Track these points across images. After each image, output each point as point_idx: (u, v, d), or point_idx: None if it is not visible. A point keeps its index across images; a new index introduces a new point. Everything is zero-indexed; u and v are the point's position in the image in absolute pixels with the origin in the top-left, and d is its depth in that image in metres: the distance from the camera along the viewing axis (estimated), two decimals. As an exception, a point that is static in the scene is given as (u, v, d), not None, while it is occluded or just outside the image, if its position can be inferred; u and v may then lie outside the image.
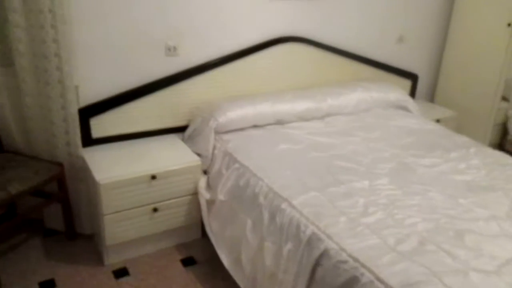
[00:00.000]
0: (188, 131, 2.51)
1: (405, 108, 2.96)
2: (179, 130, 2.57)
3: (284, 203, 1.78)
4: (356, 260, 1.45)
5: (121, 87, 2.37)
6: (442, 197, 1.86)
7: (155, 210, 2.20)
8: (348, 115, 2.72)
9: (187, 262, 2.28)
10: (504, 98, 3.41)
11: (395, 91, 2.97)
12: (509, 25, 3.06)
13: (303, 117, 2.59)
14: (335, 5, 2.93)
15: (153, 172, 2.14)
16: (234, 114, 2.39)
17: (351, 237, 1.55)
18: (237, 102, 2.48)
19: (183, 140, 2.51)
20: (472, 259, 1.47)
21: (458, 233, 1.61)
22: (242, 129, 2.44)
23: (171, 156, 2.29)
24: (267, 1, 2.65)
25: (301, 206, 1.73)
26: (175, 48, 2.45)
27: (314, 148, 2.24)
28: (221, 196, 2.13)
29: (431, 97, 3.68)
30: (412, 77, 3.43)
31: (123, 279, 2.14)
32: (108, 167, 2.15)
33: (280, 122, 2.53)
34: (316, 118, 2.64)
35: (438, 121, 3.16)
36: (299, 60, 2.88)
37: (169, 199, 2.23)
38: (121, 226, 2.14)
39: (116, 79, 2.35)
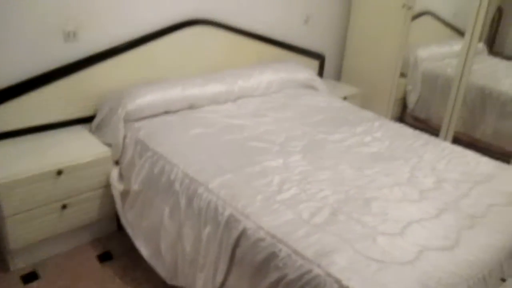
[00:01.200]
0: (95, 121, 2.37)
1: (313, 87, 3.07)
2: (86, 120, 2.42)
3: (201, 188, 1.76)
4: (273, 236, 1.48)
5: (17, 77, 2.16)
6: (350, 169, 1.96)
7: (64, 207, 2.07)
8: (259, 97, 2.76)
9: (104, 257, 2.18)
10: (402, 75, 3.68)
11: (304, 71, 3.06)
12: (403, 6, 3.29)
13: (215, 100, 2.57)
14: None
15: (59, 167, 2.00)
16: (144, 100, 2.30)
17: (267, 215, 1.58)
18: (147, 88, 2.39)
19: (90, 131, 2.37)
20: (379, 224, 1.57)
21: (365, 201, 1.71)
22: (153, 116, 2.36)
23: (78, 148, 2.16)
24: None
25: (217, 189, 1.73)
26: (74, 34, 2.28)
27: (228, 130, 2.24)
28: (135, 186, 2.05)
29: (338, 76, 3.86)
30: (319, 57, 3.56)
31: (33, 284, 1.99)
32: (8, 164, 1.96)
33: (192, 107, 2.49)
34: (229, 101, 2.64)
35: (345, 98, 3.32)
36: (209, 43, 2.84)
37: (79, 194, 2.11)
38: (27, 228, 1.98)
39: (9, 68, 2.13)
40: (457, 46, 3.21)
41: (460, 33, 3.19)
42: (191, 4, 2.70)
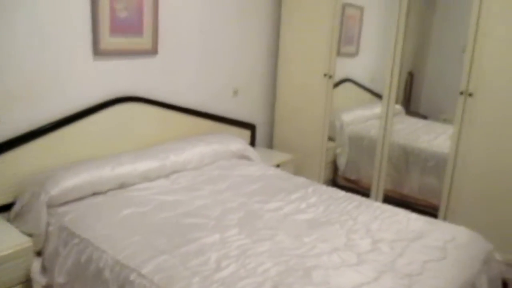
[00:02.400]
0: (14, 209, 2.19)
1: (247, 157, 3.10)
2: (4, 209, 2.23)
3: (133, 274, 1.65)
4: (213, 321, 1.39)
5: None
6: (289, 238, 1.94)
7: (-24, 310, 1.83)
8: (193, 170, 2.72)
9: None
10: (331, 139, 3.84)
11: (236, 142, 3.10)
12: (325, 75, 3.51)
13: (147, 177, 2.49)
14: (173, 63, 2.99)
15: (-30, 264, 1.79)
16: (70, 183, 2.18)
17: (206, 297, 1.49)
18: (73, 169, 2.27)
19: (9, 220, 2.18)
20: (321, 294, 1.54)
21: (306, 271, 1.68)
22: (80, 199, 2.22)
23: (-7, 241, 1.96)
24: (102, 61, 2.57)
25: (151, 274, 1.62)
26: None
27: (161, 208, 2.16)
28: (60, 279, 1.88)
29: (270, 144, 3.95)
30: (250, 127, 3.64)
31: None
32: None
33: (123, 186, 2.39)
34: (161, 177, 2.57)
35: (278, 165, 3.38)
36: (139, 120, 2.81)
37: (-6, 294, 1.89)
38: None
39: None
40: (377, 108, 3.43)
41: (379, 96, 3.43)
42: (119, 81, 2.69)
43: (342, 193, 2.55)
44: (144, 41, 2.79)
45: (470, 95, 2.80)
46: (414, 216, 2.29)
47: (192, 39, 3.10)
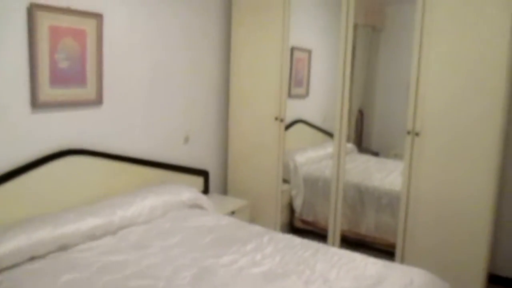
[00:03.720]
0: None
1: (200, 206, 2.99)
2: None
3: None
4: None
5: None
6: (244, 296, 1.84)
7: None
8: (143, 225, 2.58)
9: None
10: (286, 181, 3.81)
11: (188, 191, 2.99)
12: (276, 118, 3.51)
13: (92, 236, 2.33)
14: (119, 112, 2.90)
15: None
16: (4, 249, 1.98)
17: None
18: (8, 232, 2.08)
19: None
20: None
21: (263, 333, 1.58)
22: (16, 265, 2.03)
23: None
24: (41, 114, 2.45)
25: None
26: None
27: (106, 270, 2.00)
28: None
29: (224, 190, 3.87)
30: (203, 173, 3.55)
31: None
32: None
33: (64, 248, 2.21)
34: (108, 234, 2.41)
35: (233, 212, 3.29)
36: (85, 174, 2.67)
37: None
38: None
39: None
40: (330, 148, 3.45)
41: (331, 135, 3.45)
42: (62, 134, 2.57)
43: (298, 240, 2.49)
44: (87, 91, 2.69)
45: (417, 134, 2.87)
46: (371, 260, 2.26)
47: (139, 87, 3.03)
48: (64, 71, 2.56)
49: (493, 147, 2.65)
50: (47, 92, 2.47)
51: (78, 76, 2.63)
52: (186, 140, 3.46)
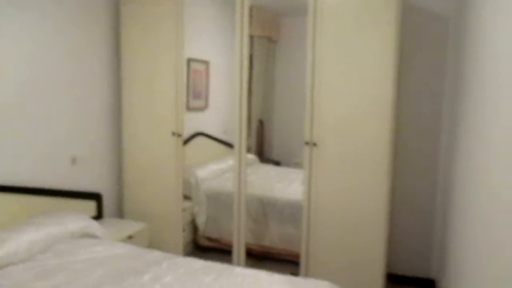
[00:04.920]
0: None
1: (92, 235, 2.71)
2: None
3: None
4: None
5: None
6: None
7: None
8: (22, 263, 2.23)
9: None
10: (188, 197, 3.64)
11: (77, 219, 2.69)
12: (173, 134, 3.33)
13: (-46, 285, 1.96)
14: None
15: None
16: None
17: None
18: None
19: None
20: None
21: None
22: None
23: None
24: None
25: None
26: None
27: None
28: None
29: (121, 213, 3.58)
30: (95, 196, 3.24)
31: None
32: None
33: None
34: (-23, 280, 2.05)
35: (131, 237, 3.04)
36: None
37: None
38: None
39: None
40: (232, 160, 3.36)
41: (232, 147, 3.37)
42: None
43: (200, 263, 2.34)
44: None
45: (315, 144, 2.91)
46: (276, 277, 2.19)
47: (14, 105, 2.66)
48: None
49: (385, 156, 2.77)
50: None
51: None
52: (74, 161, 3.13)
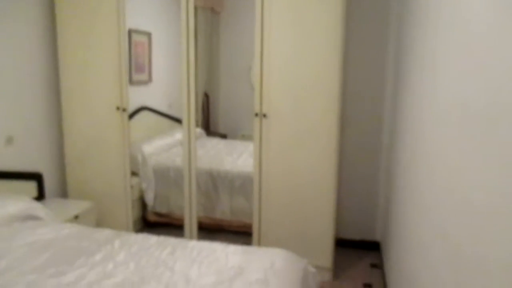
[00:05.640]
0: None
1: (35, 217, 2.57)
2: None
3: None
4: None
5: None
6: (96, 317, 1.60)
7: None
8: (-43, 251, 2.08)
9: None
10: (135, 174, 3.54)
11: (16, 200, 2.53)
12: (117, 108, 3.19)
13: None
14: None
15: None
16: None
17: None
18: None
19: None
20: None
21: None
22: None
23: None
24: None
25: None
26: None
27: None
28: None
29: (64, 192, 3.42)
30: (35, 177, 3.06)
31: None
32: None
33: None
34: None
35: (77, 217, 2.92)
36: None
37: None
38: None
39: None
40: (178, 134, 3.29)
41: (178, 121, 3.29)
42: None
43: (153, 239, 2.30)
44: None
45: (265, 115, 2.91)
46: (231, 249, 2.21)
47: None
48: None
49: (333, 125, 2.83)
50: None
51: None
52: (9, 141, 2.92)
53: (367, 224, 3.52)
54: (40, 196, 3.06)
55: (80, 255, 2.08)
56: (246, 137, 3.66)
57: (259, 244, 3.08)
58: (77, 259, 2.04)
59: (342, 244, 3.50)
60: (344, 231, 3.54)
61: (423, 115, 1.83)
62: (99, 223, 3.21)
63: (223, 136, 4.08)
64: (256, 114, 2.93)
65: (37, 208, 2.60)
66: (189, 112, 3.15)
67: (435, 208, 1.47)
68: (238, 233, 3.45)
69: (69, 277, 1.88)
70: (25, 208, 2.53)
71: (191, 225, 3.29)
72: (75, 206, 3.06)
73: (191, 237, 3.27)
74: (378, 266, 3.24)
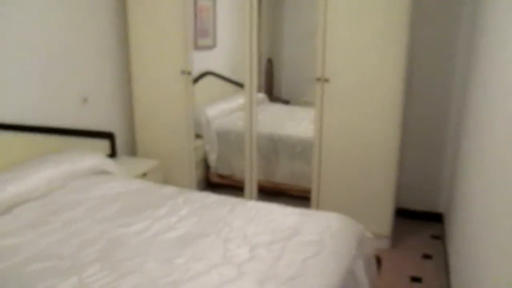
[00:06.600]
0: None
1: (107, 172, 2.77)
2: None
3: None
4: None
5: None
6: (159, 265, 1.72)
7: None
8: (41, 199, 2.30)
9: None
10: (199, 136, 3.67)
11: (91, 156, 2.74)
12: (182, 72, 3.29)
13: (-21, 219, 2.03)
14: (3, 76, 2.49)
15: None
16: None
17: None
18: None
19: None
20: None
21: (182, 301, 1.50)
22: None
23: None
24: None
25: None
26: None
27: (-2, 257, 1.76)
28: None
29: (134, 151, 3.63)
30: (108, 136, 3.27)
31: None
32: None
33: None
34: (1, 214, 2.12)
35: (145, 174, 3.10)
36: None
37: None
38: None
39: None
40: (241, 99, 3.34)
41: (242, 86, 3.33)
42: None
43: (214, 197, 2.40)
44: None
45: (326, 80, 2.86)
46: (288, 210, 2.25)
47: (26, 46, 2.63)
48: None
49: (397, 90, 2.73)
50: None
51: None
52: (85, 101, 3.13)
53: (431, 195, 3.41)
54: (112, 153, 3.27)
55: (146, 208, 2.23)
56: (309, 104, 3.63)
57: (317, 209, 3.10)
58: (144, 212, 2.19)
59: (403, 214, 3.43)
60: (406, 201, 3.45)
61: (494, 89, 1.72)
62: (165, 181, 3.38)
63: (286, 102, 4.07)
64: (318, 79, 2.89)
65: (110, 164, 2.80)
66: (251, 76, 3.17)
67: (506, 182, 1.39)
68: (297, 197, 3.48)
69: (136, 227, 2.03)
70: (99, 164, 2.73)
71: (251, 187, 3.38)
72: (144, 164, 3.25)
73: (251, 199, 3.36)
74: (440, 238, 3.15)
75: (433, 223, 3.37)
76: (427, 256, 2.90)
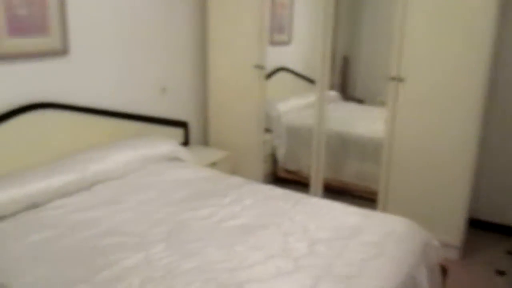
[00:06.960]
0: None
1: (179, 159, 2.91)
2: None
3: (40, 313, 1.44)
4: None
5: None
6: (220, 250, 1.79)
7: None
8: (118, 179, 2.48)
9: None
10: (268, 130, 3.72)
11: (166, 143, 2.90)
12: (256, 66, 3.36)
13: (64, 193, 2.24)
14: (88, 62, 2.73)
15: None
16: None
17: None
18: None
19: None
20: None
21: (238, 286, 1.55)
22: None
23: None
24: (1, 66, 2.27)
25: (61, 311, 1.42)
26: None
27: (78, 228, 1.93)
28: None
29: (205, 141, 3.77)
30: (182, 125, 3.44)
31: None
32: None
33: (35, 205, 2.12)
34: (82, 190, 2.32)
35: (214, 164, 3.22)
36: (53, 128, 2.54)
37: None
38: None
39: None
40: (313, 96, 3.34)
41: (314, 83, 3.32)
42: (24, 87, 2.40)
43: (279, 191, 2.43)
44: (50, 41, 2.50)
45: (401, 80, 2.77)
46: (351, 210, 2.22)
47: (109, 35, 2.84)
48: (23, 18, 2.36)
49: (477, 92, 2.57)
50: (6, 43, 2.29)
51: (38, 24, 2.43)
52: (164, 90, 3.31)
53: (510, 207, 3.16)
54: (186, 142, 3.44)
55: (213, 195, 2.32)
56: (384, 103, 3.53)
57: (384, 211, 3.02)
58: (210, 199, 2.28)
59: (477, 225, 3.22)
60: (481, 211, 3.24)
61: None
62: (233, 172, 3.48)
63: (360, 101, 3.99)
64: (393, 78, 2.80)
65: (182, 151, 2.94)
66: (323, 74, 3.16)
67: None
68: (363, 198, 3.41)
69: (202, 212, 2.12)
70: (173, 151, 2.88)
71: (317, 184, 3.37)
72: (214, 154, 3.37)
73: (316, 196, 3.35)
74: (518, 254, 2.93)
75: (511, 238, 3.13)
76: (500, 272, 2.71)
